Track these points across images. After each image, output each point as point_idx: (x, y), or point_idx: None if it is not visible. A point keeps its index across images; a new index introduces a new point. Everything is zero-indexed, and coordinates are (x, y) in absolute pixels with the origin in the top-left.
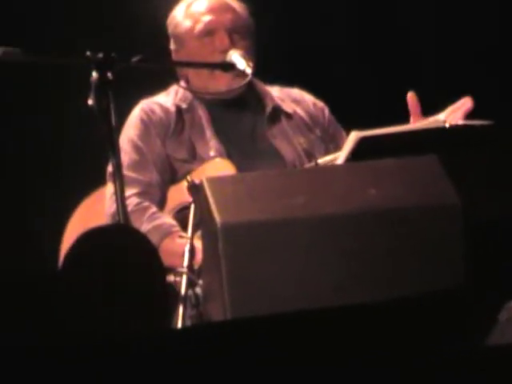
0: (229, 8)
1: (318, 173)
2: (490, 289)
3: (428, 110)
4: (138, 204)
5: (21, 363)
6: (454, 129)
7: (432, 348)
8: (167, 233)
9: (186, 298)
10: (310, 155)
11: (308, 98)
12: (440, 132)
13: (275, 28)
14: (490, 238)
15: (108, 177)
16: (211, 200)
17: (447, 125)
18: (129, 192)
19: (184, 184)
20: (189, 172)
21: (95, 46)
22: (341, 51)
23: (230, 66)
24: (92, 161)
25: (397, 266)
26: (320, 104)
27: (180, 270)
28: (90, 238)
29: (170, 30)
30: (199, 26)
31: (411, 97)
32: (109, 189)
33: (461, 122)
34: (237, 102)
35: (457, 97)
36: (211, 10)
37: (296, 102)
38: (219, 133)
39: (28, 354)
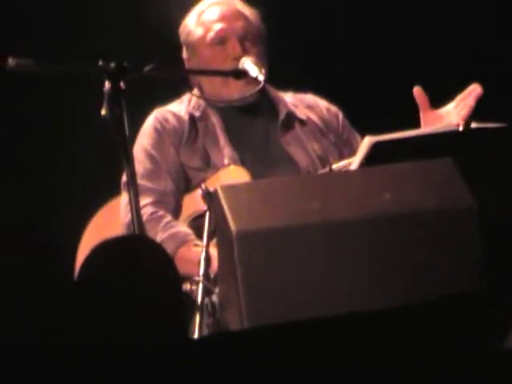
0: (240, 15)
1: (332, 178)
2: (507, 292)
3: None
4: (152, 213)
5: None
6: (468, 132)
7: (450, 352)
8: (182, 241)
9: (202, 306)
10: (324, 161)
11: (322, 103)
12: (454, 135)
13: (286, 31)
14: (507, 240)
15: (122, 186)
16: (226, 208)
17: (461, 128)
18: (143, 201)
19: (198, 192)
20: (203, 180)
21: (107, 55)
22: (352, 55)
23: (242, 73)
24: (106, 170)
25: (413, 270)
26: (334, 109)
27: (196, 278)
28: (106, 248)
29: (183, 38)
30: (211, 34)
31: (417, 91)
32: (123, 198)
33: (474, 124)
34: (250, 108)
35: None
36: (223, 18)
37: (310, 107)
38: (233, 140)
39: (43, 365)
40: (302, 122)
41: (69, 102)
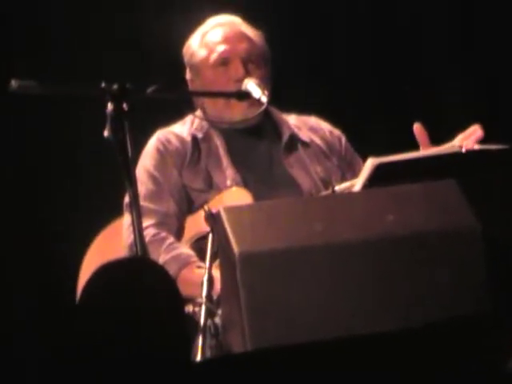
0: (244, 37)
1: (335, 200)
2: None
3: (443, 132)
4: (155, 235)
5: None
6: (471, 153)
7: (454, 374)
8: (185, 263)
9: (205, 328)
10: (327, 184)
11: (325, 126)
12: (457, 157)
13: (290, 53)
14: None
15: (125, 207)
16: (229, 229)
17: (464, 149)
18: (146, 222)
19: (201, 214)
20: (206, 201)
21: (110, 77)
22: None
23: (245, 95)
24: (109, 191)
25: (416, 292)
26: (337, 132)
27: (199, 300)
28: (108, 270)
29: (186, 59)
30: (214, 56)
31: (417, 128)
32: (126, 219)
33: (477, 146)
34: (253, 130)
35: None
36: (226, 40)
37: (313, 130)
38: (236, 162)
39: None
40: (305, 145)
41: (71, 124)
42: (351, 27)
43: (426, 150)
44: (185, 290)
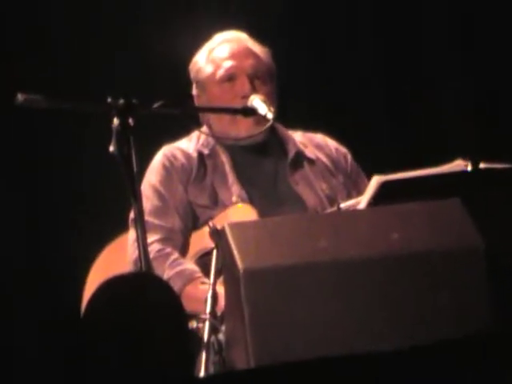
0: (250, 53)
1: (340, 217)
2: None
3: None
4: (160, 250)
5: None
6: (476, 172)
7: None
8: (189, 279)
9: (208, 344)
10: (333, 201)
11: (331, 143)
12: (462, 176)
13: (298, 70)
14: None
15: (130, 223)
16: (233, 245)
17: (469, 168)
18: (151, 238)
19: (206, 230)
20: (211, 218)
21: (116, 92)
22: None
23: (251, 111)
24: (114, 207)
25: (421, 310)
26: (343, 150)
27: (203, 316)
28: (112, 285)
29: (192, 75)
30: (220, 72)
31: None
32: (131, 235)
33: (482, 165)
34: (259, 147)
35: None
36: (232, 56)
37: (319, 147)
38: (241, 178)
39: None
40: (311, 162)
41: (76, 138)
42: (356, 45)
43: (431, 168)
44: (189, 305)
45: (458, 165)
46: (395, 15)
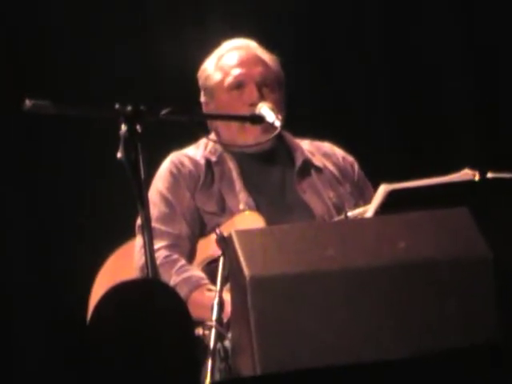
0: (259, 61)
1: (347, 226)
2: None
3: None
4: (166, 257)
5: None
6: (484, 181)
7: None
8: (196, 286)
9: (214, 351)
10: (340, 209)
11: (338, 152)
12: (469, 185)
13: (306, 78)
14: None
15: (137, 229)
16: (240, 253)
17: (477, 178)
18: (158, 244)
19: (213, 237)
20: (218, 225)
21: (124, 98)
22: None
23: (259, 119)
24: (121, 213)
25: (428, 319)
26: (350, 159)
27: (209, 323)
28: (119, 291)
29: (201, 82)
30: (229, 79)
31: None
32: (138, 241)
33: (490, 174)
34: (266, 155)
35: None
36: (241, 63)
37: (326, 155)
38: (249, 186)
39: None
40: (319, 170)
41: (84, 144)
42: (366, 53)
43: (439, 177)
44: (195, 312)
45: (466, 174)
46: (401, 23)
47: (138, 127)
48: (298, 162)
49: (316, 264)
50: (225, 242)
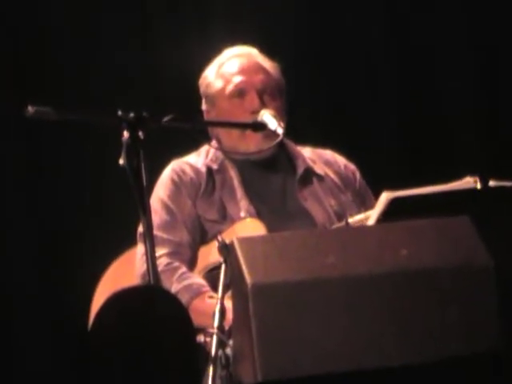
0: (260, 69)
1: (349, 233)
2: None
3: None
4: (168, 264)
5: None
6: (485, 190)
7: None
8: (197, 293)
9: (216, 358)
10: (341, 217)
11: (340, 160)
12: (471, 193)
13: (307, 85)
14: None
15: (139, 237)
16: (242, 260)
17: (478, 186)
18: (159, 252)
19: (214, 244)
20: (219, 232)
21: (127, 105)
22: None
23: (261, 126)
24: (123, 220)
25: (429, 327)
26: (351, 167)
27: (210, 330)
28: (120, 298)
29: (202, 89)
30: (230, 87)
31: None
32: (139, 249)
33: (492, 183)
34: (268, 162)
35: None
36: (242, 71)
37: (328, 163)
38: (250, 193)
39: None
40: (320, 178)
41: (85, 151)
42: (366, 53)
43: (441, 186)
44: (196, 319)
45: (467, 182)
46: (401, 24)
47: (140, 134)
48: (300, 169)
49: (317, 271)
50: (226, 250)
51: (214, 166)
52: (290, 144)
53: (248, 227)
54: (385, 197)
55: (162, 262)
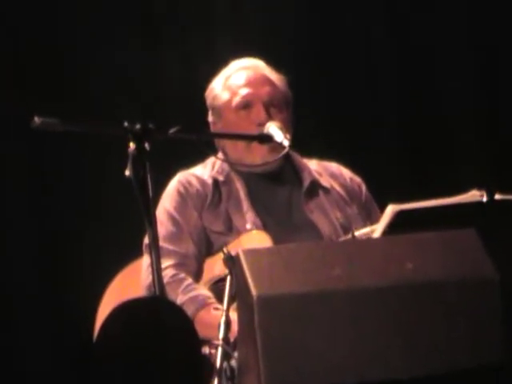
0: (266, 81)
1: (354, 245)
2: None
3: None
4: (173, 276)
5: None
6: (491, 203)
7: None
8: (203, 304)
9: (221, 370)
10: (347, 230)
11: (346, 172)
12: (477, 206)
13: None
14: None
15: (144, 248)
16: (247, 272)
17: (484, 199)
18: (165, 263)
19: (220, 256)
20: (225, 244)
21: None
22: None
23: (267, 138)
24: (128, 232)
25: (435, 340)
26: (357, 180)
27: (215, 342)
28: (126, 310)
29: (209, 101)
30: (236, 99)
31: None
32: (145, 260)
33: (497, 196)
34: (274, 175)
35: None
36: (249, 83)
37: (334, 176)
38: (256, 205)
39: None
40: (326, 191)
41: (92, 163)
42: (373, 72)
43: (447, 198)
44: (202, 331)
45: (474, 195)
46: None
47: (146, 145)
48: (306, 182)
49: (323, 284)
50: (232, 261)
51: (220, 178)
52: (296, 156)
53: (254, 239)
54: (390, 209)
55: (167, 274)
